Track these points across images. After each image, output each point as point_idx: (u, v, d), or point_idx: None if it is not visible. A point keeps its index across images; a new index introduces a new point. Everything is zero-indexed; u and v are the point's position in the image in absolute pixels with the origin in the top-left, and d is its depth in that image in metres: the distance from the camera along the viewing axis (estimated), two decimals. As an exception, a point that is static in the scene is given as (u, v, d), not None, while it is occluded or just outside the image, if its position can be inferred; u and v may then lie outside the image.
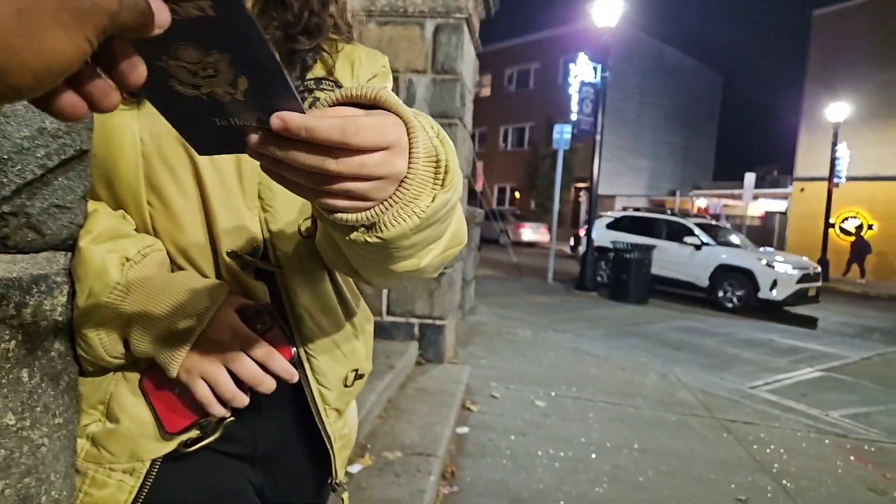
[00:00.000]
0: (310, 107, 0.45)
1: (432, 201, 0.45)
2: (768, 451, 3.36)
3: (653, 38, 27.76)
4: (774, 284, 8.94)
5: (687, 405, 4.08)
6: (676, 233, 10.19)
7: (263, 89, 0.37)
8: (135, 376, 0.63)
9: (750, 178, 16.97)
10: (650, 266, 9.12)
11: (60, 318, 0.57)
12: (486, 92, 30.99)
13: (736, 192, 20.53)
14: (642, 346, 5.87)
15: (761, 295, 8.98)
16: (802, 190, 19.61)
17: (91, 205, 0.61)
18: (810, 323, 8.61)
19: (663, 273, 9.94)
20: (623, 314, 7.83)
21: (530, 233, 20.34)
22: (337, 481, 0.80)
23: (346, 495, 0.82)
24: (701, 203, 24.08)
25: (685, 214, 11.36)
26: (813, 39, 19.83)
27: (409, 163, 0.44)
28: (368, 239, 0.45)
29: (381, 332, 4.13)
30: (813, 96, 19.22)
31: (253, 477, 0.72)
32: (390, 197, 0.44)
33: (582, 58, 10.16)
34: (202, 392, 0.60)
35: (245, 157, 0.64)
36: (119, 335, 0.59)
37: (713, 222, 11.11)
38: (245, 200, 0.65)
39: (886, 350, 6.81)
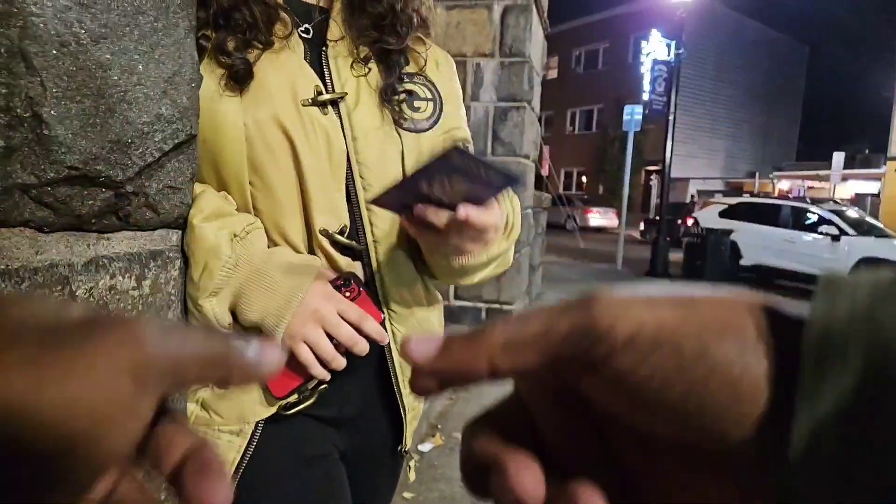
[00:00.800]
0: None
1: (498, 248, 0.71)
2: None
3: (731, 9, 26.25)
4: None
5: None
6: (806, 221, 9.06)
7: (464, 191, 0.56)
8: None
9: (838, 157, 15.85)
10: (728, 250, 8.72)
11: (173, 291, 0.64)
12: (553, 74, 30.35)
13: (822, 172, 19.24)
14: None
15: None
16: (898, 170, 18.12)
17: (198, 186, 0.67)
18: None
19: (791, 266, 8.84)
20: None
21: (598, 218, 19.91)
22: (406, 449, 0.87)
23: (412, 462, 0.89)
24: (783, 185, 22.74)
25: (815, 201, 10.14)
26: (914, 4, 18.17)
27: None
28: (452, 263, 0.69)
29: (449, 316, 4.19)
30: (913, 67, 17.65)
31: (338, 440, 0.79)
32: None
33: (655, 34, 9.78)
34: (305, 355, 0.65)
35: (335, 141, 0.70)
36: (228, 306, 0.65)
37: (846, 208, 9.82)
38: (335, 183, 0.71)
39: None
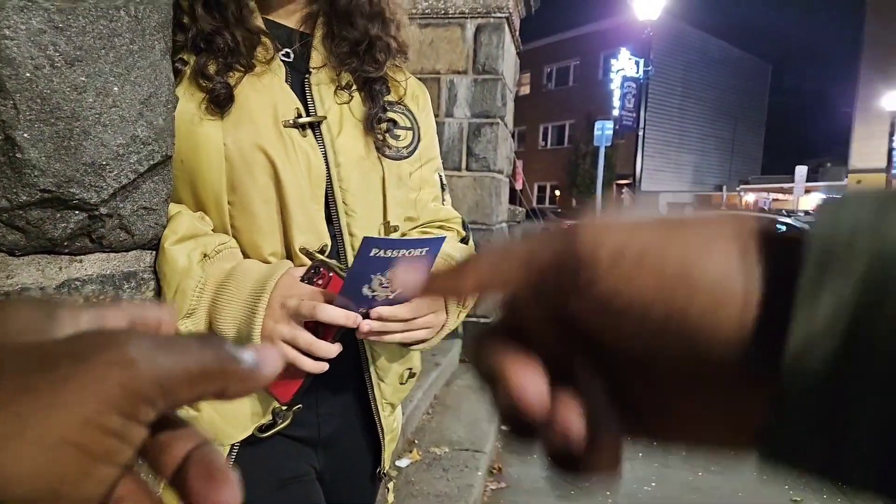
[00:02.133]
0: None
1: (457, 318, 0.78)
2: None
3: (696, 28, 27.05)
4: None
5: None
6: None
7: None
8: None
9: (801, 170, 16.37)
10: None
11: None
12: (526, 90, 30.79)
13: (786, 185, 19.84)
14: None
15: None
16: (859, 182, 18.80)
17: (173, 207, 0.66)
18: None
19: None
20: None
21: (571, 231, 20.10)
22: (385, 471, 0.87)
23: (391, 485, 0.89)
24: (749, 198, 23.34)
25: (790, 213, 10.46)
26: (867, 24, 19.00)
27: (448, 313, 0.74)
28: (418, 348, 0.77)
29: (426, 330, 4.19)
30: (868, 84, 18.42)
31: (315, 461, 0.79)
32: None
33: (623, 53, 10.02)
34: (288, 353, 0.64)
35: (315, 162, 0.70)
36: (204, 326, 0.65)
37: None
38: (315, 202, 0.71)
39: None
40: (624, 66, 9.81)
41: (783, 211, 11.24)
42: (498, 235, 4.30)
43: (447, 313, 0.74)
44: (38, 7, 0.40)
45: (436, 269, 0.22)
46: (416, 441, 2.72)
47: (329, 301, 0.63)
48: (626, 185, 21.55)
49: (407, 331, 0.68)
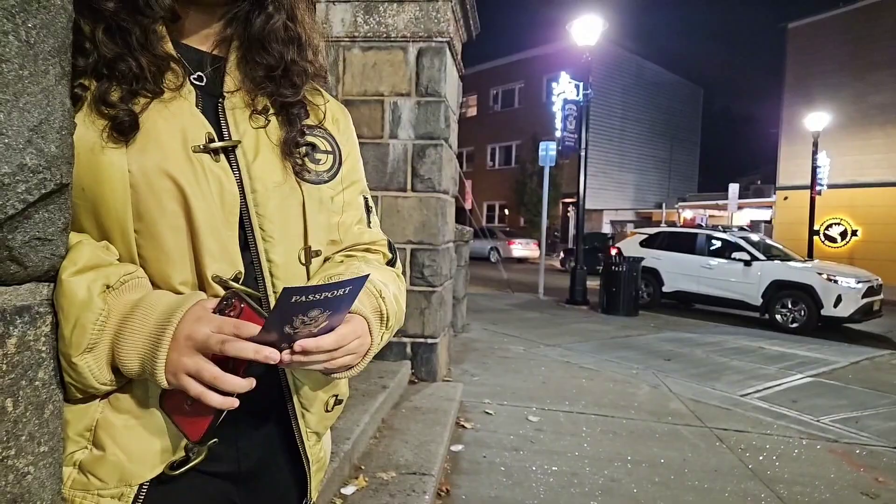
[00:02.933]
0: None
1: (381, 340, 0.76)
2: (761, 458, 3.39)
3: (633, 54, 28.26)
4: (839, 300, 8.16)
5: (678, 415, 4.11)
6: (721, 248, 9.60)
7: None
8: (125, 400, 0.65)
9: (734, 188, 17.21)
10: (639, 278, 9.19)
11: (44, 348, 0.58)
12: (473, 112, 31.29)
13: (721, 202, 20.78)
14: (633, 358, 5.90)
15: (825, 312, 8.20)
16: (786, 198, 19.90)
17: (74, 237, 0.62)
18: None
19: (709, 292, 9.48)
20: (614, 326, 7.87)
21: (521, 249, 20.42)
22: (312, 501, 0.84)
23: None
24: (687, 214, 24.32)
25: (726, 228, 10.66)
26: (789, 51, 20.28)
27: (372, 339, 0.74)
28: (343, 375, 0.73)
29: (373, 352, 4.14)
30: (791, 106, 19.60)
31: (235, 496, 0.75)
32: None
33: (564, 76, 10.34)
34: (193, 388, 0.60)
35: (227, 188, 0.68)
36: (106, 361, 0.61)
37: (756, 236, 10.27)
38: (227, 229, 0.68)
39: (875, 354, 6.89)
40: (564, 89, 10.11)
41: (719, 227, 11.76)
42: (444, 255, 4.33)
43: (371, 337, 0.73)
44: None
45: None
46: (363, 467, 2.67)
47: (243, 331, 0.61)
48: (572, 203, 22.08)
49: (331, 360, 0.66)
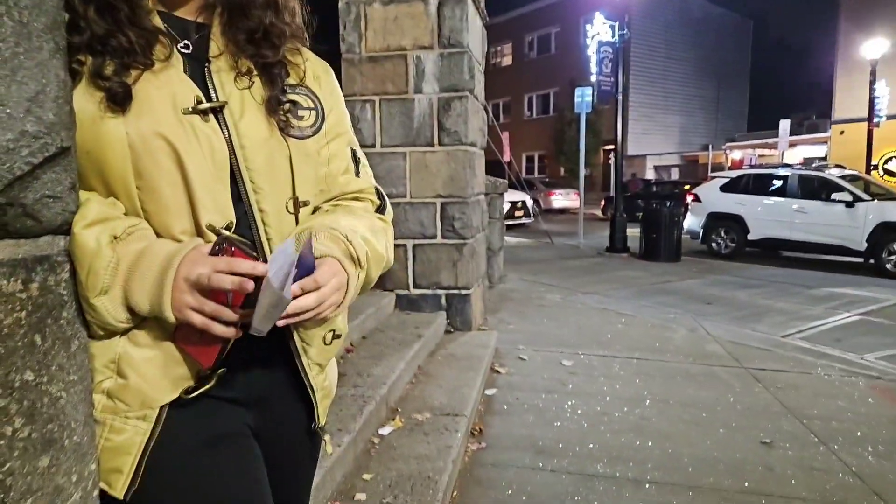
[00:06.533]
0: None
1: (359, 278, 0.85)
2: (798, 396, 3.39)
3: (676, -13, 26.75)
4: None
5: (715, 357, 4.11)
6: (816, 190, 8.84)
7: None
8: (142, 336, 0.75)
9: (784, 125, 16.38)
10: (681, 223, 8.98)
11: (65, 292, 0.67)
12: (508, 60, 30.52)
13: (771, 140, 19.85)
14: (672, 304, 5.87)
15: None
16: (842, 133, 18.83)
17: (83, 194, 0.71)
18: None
19: (803, 237, 8.77)
20: (654, 272, 7.80)
21: (561, 199, 20.15)
22: (319, 426, 0.94)
23: (327, 437, 0.96)
24: (735, 155, 23.36)
25: (821, 167, 9.80)
26: (845, -27, 18.81)
27: (349, 283, 0.82)
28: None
29: (410, 304, 4.27)
30: (847, 34, 18.31)
31: (249, 419, 0.85)
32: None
33: (598, 17, 9.95)
34: (198, 321, 0.70)
35: (217, 145, 0.76)
36: (121, 301, 0.70)
37: (857, 173, 9.52)
38: (219, 183, 0.77)
39: (931, 290, 6.62)
40: (599, 30, 9.75)
41: (815, 162, 10.77)
42: (474, 208, 4.37)
43: (346, 272, 0.81)
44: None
45: None
46: (399, 409, 2.82)
47: (234, 266, 0.70)
48: (612, 150, 21.51)
49: (317, 312, 0.76)
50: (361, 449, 2.36)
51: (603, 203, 18.22)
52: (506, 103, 30.36)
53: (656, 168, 24.71)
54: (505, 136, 15.44)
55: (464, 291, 4.24)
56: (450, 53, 4.12)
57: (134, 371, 0.75)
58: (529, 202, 14.74)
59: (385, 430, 2.57)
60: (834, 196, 8.56)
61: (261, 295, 0.68)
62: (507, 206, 13.28)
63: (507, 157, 14.47)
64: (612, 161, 23.83)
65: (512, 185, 10.06)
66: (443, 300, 4.27)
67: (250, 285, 0.69)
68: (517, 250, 10.06)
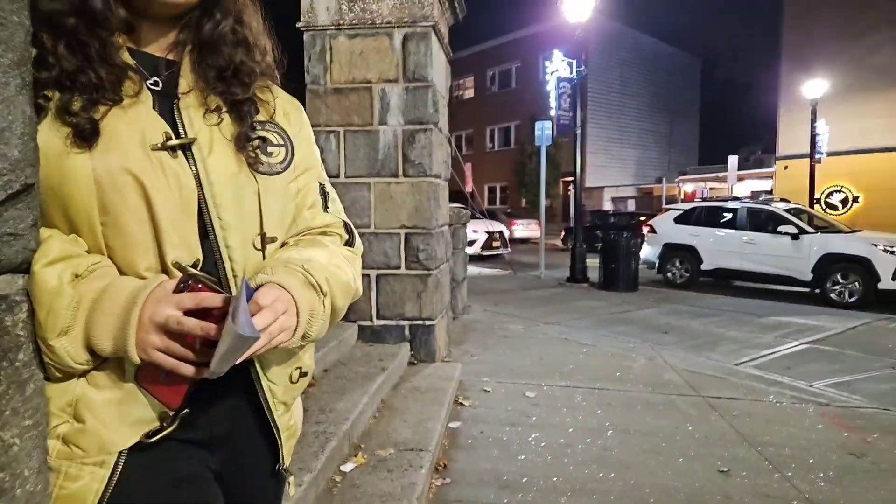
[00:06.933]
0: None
1: (322, 305, 0.82)
2: (752, 424, 3.47)
3: (629, 27, 27.96)
4: None
5: (673, 386, 4.19)
6: (764, 222, 9.16)
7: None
8: (102, 377, 0.72)
9: (733, 160, 17.15)
10: (638, 253, 9.21)
11: (22, 333, 0.65)
12: (470, 93, 31.14)
13: (721, 174, 20.70)
14: (631, 333, 5.98)
15: (882, 286, 7.78)
16: (786, 168, 19.79)
17: (44, 231, 0.69)
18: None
19: (752, 268, 9.09)
20: (613, 302, 7.94)
21: (522, 229, 20.43)
22: (284, 467, 0.92)
23: (292, 479, 0.94)
24: (687, 188, 24.24)
25: (767, 201, 10.15)
26: (785, 16, 20.01)
27: (298, 307, 0.77)
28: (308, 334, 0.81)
29: (374, 335, 4.23)
30: (789, 74, 19.40)
31: (211, 462, 0.82)
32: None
33: (556, 55, 10.30)
34: (163, 361, 0.68)
35: (185, 182, 0.75)
36: (81, 342, 0.68)
37: (802, 207, 9.88)
38: (187, 220, 0.75)
39: (871, 319, 6.94)
40: (557, 67, 10.08)
41: (761, 195, 11.33)
42: (438, 239, 4.39)
43: (295, 299, 0.77)
44: None
45: None
46: (363, 445, 2.76)
47: (199, 308, 0.68)
48: (572, 182, 22.07)
49: (270, 335, 0.72)
50: (323, 487, 2.29)
51: (563, 233, 18.57)
52: (468, 135, 30.88)
53: (613, 199, 25.40)
54: (468, 167, 15.65)
55: (428, 322, 4.22)
56: (415, 87, 4.19)
57: (92, 414, 0.72)
58: (506, 233, 14.91)
59: (347, 467, 2.51)
60: (780, 228, 8.91)
61: (221, 340, 0.66)
62: (484, 238, 13.55)
63: (469, 188, 14.66)
64: (571, 192, 24.44)
65: (475, 216, 10.15)
66: (407, 331, 4.24)
67: (216, 331, 0.67)
68: (480, 280, 10.11)
